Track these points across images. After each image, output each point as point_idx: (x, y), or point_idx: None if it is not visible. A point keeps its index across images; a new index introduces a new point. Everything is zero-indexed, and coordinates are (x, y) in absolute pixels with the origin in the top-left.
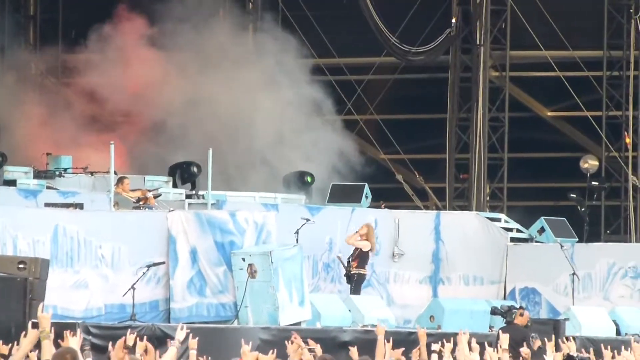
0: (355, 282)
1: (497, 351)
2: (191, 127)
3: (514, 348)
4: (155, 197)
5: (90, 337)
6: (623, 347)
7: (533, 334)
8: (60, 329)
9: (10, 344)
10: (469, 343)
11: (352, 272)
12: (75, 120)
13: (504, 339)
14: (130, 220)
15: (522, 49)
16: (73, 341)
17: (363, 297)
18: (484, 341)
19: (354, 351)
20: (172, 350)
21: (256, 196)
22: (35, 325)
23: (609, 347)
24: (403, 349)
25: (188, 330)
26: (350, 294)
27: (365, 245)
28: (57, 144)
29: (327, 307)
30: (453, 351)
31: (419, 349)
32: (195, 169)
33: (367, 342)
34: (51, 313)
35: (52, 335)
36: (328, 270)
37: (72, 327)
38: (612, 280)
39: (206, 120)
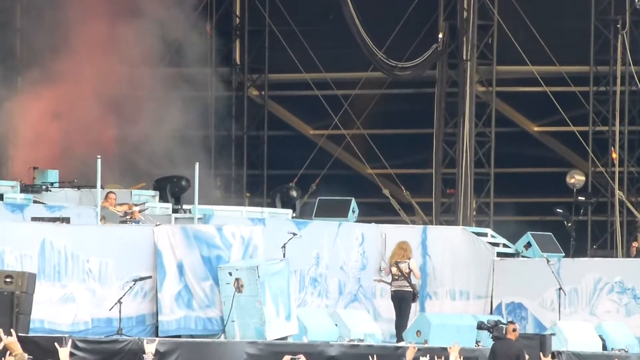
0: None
1: None
2: None
3: None
4: (141, 211)
5: (77, 352)
6: None
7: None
8: (47, 342)
9: None
10: None
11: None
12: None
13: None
14: (117, 235)
15: (509, 64)
16: (63, 352)
17: (350, 312)
18: (470, 356)
19: None
20: None
21: (243, 210)
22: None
23: None
24: None
25: (155, 343)
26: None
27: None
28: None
29: (313, 322)
30: None
31: None
32: (184, 183)
33: (353, 357)
34: (15, 336)
35: (26, 355)
36: (315, 284)
37: (59, 340)
38: (598, 295)
39: None
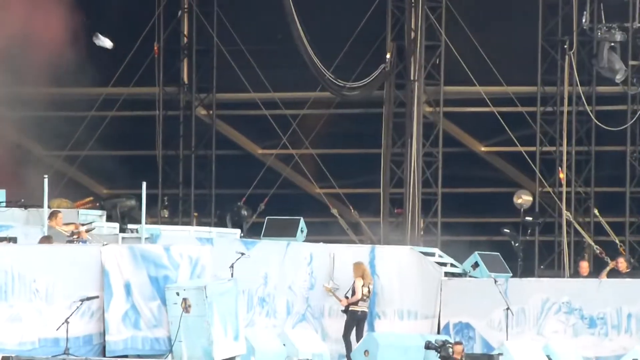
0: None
1: None
2: None
3: None
4: (88, 231)
5: None
6: None
7: None
8: None
9: None
10: None
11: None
12: None
13: None
14: (64, 254)
15: (456, 85)
16: None
17: (298, 332)
18: None
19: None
20: None
21: (191, 230)
22: None
23: None
24: None
25: None
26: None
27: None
28: None
29: (261, 342)
30: None
31: None
32: (133, 202)
33: None
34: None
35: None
36: (263, 304)
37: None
38: (545, 316)
39: None
